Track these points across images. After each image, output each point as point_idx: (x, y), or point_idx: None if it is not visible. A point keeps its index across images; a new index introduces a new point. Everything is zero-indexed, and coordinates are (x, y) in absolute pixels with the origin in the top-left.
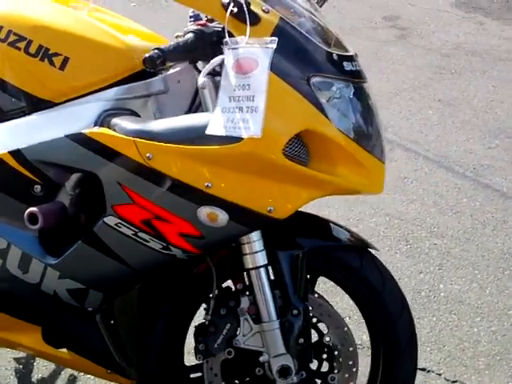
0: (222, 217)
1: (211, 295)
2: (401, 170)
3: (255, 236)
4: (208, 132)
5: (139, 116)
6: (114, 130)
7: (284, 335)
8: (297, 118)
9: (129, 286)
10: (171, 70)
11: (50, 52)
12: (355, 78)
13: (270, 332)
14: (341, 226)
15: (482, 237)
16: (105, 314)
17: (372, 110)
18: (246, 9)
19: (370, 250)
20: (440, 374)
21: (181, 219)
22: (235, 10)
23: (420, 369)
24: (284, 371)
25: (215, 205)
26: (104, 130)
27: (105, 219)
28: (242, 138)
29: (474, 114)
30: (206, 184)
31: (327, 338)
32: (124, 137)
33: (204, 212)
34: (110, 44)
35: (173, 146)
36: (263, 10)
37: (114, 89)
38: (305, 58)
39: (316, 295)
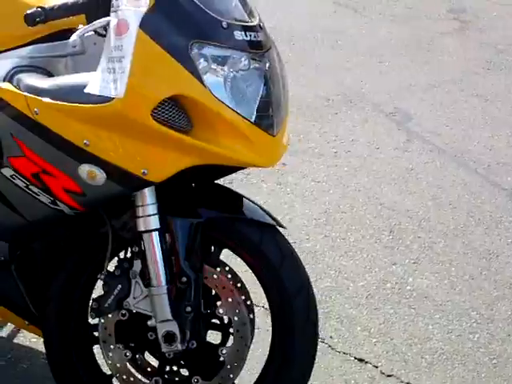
0: (100, 175)
1: (106, 254)
2: (411, 162)
3: (149, 199)
4: (86, 90)
5: (52, 75)
6: (16, 86)
7: (171, 301)
8: (167, 82)
9: (29, 236)
10: (90, 32)
11: None
12: (250, 48)
13: (158, 296)
14: (253, 202)
15: (472, 235)
16: (21, 264)
17: (269, 81)
18: None
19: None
20: (377, 367)
21: (64, 175)
22: None
23: (358, 359)
24: (169, 337)
25: (93, 163)
26: (3, 84)
27: (2, 170)
28: (113, 98)
29: (508, 112)
30: (84, 142)
31: (220, 310)
32: (17, 91)
33: (84, 169)
34: (30, 2)
35: (57, 102)
36: None
37: (30, 47)
38: (189, 24)
39: (220, 268)
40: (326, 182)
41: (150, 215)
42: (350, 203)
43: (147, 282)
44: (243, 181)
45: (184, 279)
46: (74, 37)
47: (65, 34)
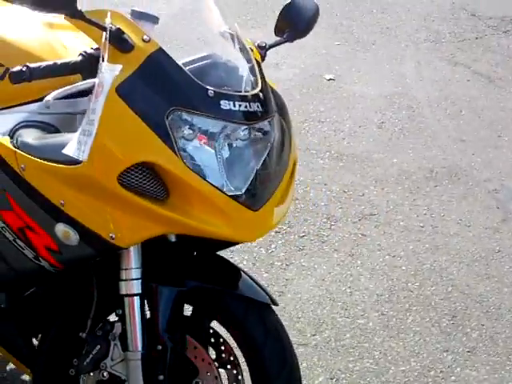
0: (74, 236)
1: (90, 315)
2: (499, 244)
3: (134, 263)
4: (62, 151)
5: (59, 132)
6: (15, 141)
7: (144, 368)
8: (136, 148)
9: (22, 286)
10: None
11: None
12: (237, 118)
13: (133, 362)
14: (251, 278)
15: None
16: (20, 311)
17: (256, 154)
18: (107, 36)
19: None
20: None
21: (44, 232)
22: (107, 36)
23: None
24: None
25: (68, 223)
26: (2, 138)
27: None
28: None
29: None
30: (60, 201)
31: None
32: (9, 146)
33: (59, 229)
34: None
35: (39, 160)
36: (143, 39)
37: (41, 103)
38: (172, 91)
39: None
40: (402, 257)
41: (132, 279)
42: (419, 282)
43: (125, 346)
44: (315, 248)
45: (159, 347)
46: (48, 97)
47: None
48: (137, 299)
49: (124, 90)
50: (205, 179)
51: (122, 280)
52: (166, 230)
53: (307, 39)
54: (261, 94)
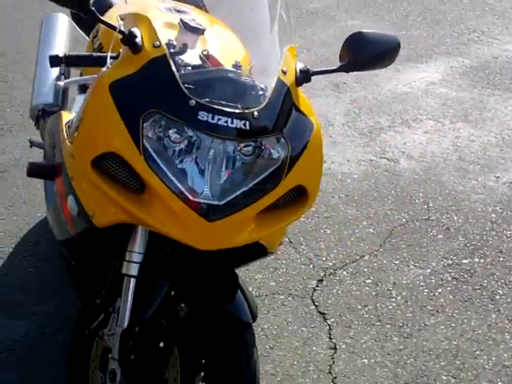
0: (75, 208)
1: (105, 285)
2: None
3: (138, 248)
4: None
5: None
6: None
7: (122, 344)
8: (108, 137)
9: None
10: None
11: None
12: (210, 130)
13: (116, 336)
14: (243, 290)
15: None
16: None
17: (221, 167)
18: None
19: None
20: None
21: (65, 201)
22: (120, 36)
23: None
24: (113, 375)
25: (73, 195)
26: None
27: None
28: None
29: None
30: (70, 175)
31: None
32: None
33: (70, 199)
34: None
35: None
36: (154, 45)
37: None
38: (157, 94)
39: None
40: None
41: (133, 261)
42: None
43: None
44: None
45: (137, 329)
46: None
47: None
48: (133, 280)
49: (117, 87)
50: (163, 182)
51: (125, 260)
52: (127, 219)
53: None
54: (255, 113)
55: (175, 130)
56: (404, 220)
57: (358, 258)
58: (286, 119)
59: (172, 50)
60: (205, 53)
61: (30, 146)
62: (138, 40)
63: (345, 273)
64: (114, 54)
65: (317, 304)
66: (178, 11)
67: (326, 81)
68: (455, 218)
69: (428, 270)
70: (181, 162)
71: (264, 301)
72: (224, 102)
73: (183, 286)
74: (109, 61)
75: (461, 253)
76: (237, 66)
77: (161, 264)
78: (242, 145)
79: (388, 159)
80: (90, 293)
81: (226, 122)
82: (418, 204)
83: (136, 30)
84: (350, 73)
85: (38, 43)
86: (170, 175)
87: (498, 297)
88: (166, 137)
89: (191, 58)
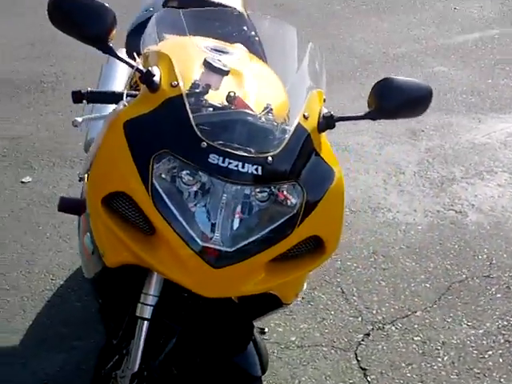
0: (90, 246)
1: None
2: None
3: (153, 291)
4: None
5: None
6: None
7: None
8: (118, 177)
9: None
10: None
11: None
12: (219, 174)
13: (126, 378)
14: (258, 350)
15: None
16: None
17: (225, 211)
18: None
19: None
20: None
21: (83, 238)
22: (138, 75)
23: None
24: None
25: (90, 232)
26: None
27: None
28: None
29: None
30: (88, 212)
31: None
32: None
33: (86, 236)
34: None
35: None
36: (171, 84)
37: None
38: (169, 134)
39: None
40: None
41: (147, 304)
42: None
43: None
44: None
45: (145, 373)
46: (77, 118)
47: None
48: (146, 323)
49: (131, 125)
50: (170, 224)
51: (140, 302)
52: (136, 261)
53: None
54: (269, 159)
55: (188, 171)
56: (464, 276)
57: (409, 313)
58: (303, 166)
59: (196, 90)
60: (231, 94)
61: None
62: (156, 79)
63: (393, 328)
64: (133, 92)
65: (359, 359)
66: (217, 50)
67: (404, 127)
68: None
69: (481, 331)
70: (193, 204)
71: (306, 352)
72: (237, 146)
73: (195, 333)
74: (125, 98)
75: None
76: (267, 109)
77: (175, 309)
78: (257, 190)
79: (456, 211)
80: (110, 333)
81: (237, 166)
82: (480, 260)
83: (155, 69)
84: (427, 120)
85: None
86: (180, 218)
87: None
88: (178, 178)
89: (214, 98)
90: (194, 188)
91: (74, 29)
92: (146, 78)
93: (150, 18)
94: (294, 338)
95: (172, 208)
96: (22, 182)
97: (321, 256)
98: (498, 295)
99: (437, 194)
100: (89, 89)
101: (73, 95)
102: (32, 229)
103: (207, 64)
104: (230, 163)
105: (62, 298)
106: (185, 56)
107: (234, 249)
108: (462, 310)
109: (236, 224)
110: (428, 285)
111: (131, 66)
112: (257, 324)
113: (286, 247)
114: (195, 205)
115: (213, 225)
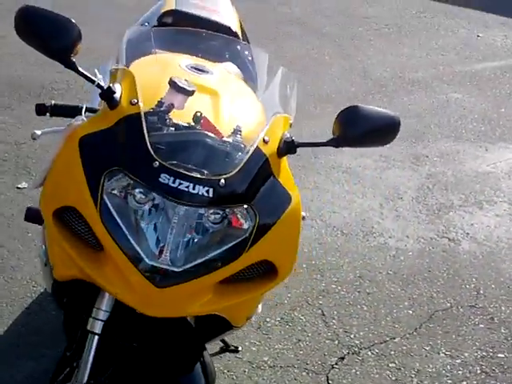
0: (43, 257)
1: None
2: None
3: (105, 306)
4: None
5: None
6: None
7: None
8: (70, 192)
9: None
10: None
11: None
12: (168, 194)
13: None
14: (206, 376)
15: None
16: None
17: (176, 231)
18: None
19: None
20: None
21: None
22: (99, 91)
23: None
24: None
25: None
26: None
27: None
28: None
29: None
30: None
31: None
32: None
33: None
34: None
35: None
36: (131, 102)
37: None
38: (123, 152)
39: None
40: None
41: (98, 319)
42: None
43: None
44: None
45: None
46: (37, 131)
47: None
48: (96, 338)
49: (86, 141)
50: (116, 241)
51: (91, 316)
52: (84, 277)
53: None
54: (222, 181)
55: (141, 190)
56: (448, 304)
57: (388, 339)
58: (258, 190)
59: (160, 109)
60: (198, 114)
61: None
62: (116, 96)
63: (369, 353)
64: (93, 107)
65: (330, 382)
66: (197, 69)
67: (408, 152)
68: (503, 308)
69: (458, 360)
70: (144, 223)
71: (277, 372)
72: (191, 167)
73: (145, 350)
74: (84, 113)
75: (498, 346)
76: (236, 131)
77: (126, 326)
78: (210, 212)
79: (449, 239)
80: (67, 345)
81: (188, 187)
82: (467, 289)
83: (117, 86)
84: (433, 146)
85: None
86: (129, 235)
87: None
88: (131, 196)
89: (181, 118)
90: (147, 206)
91: (39, 42)
92: (105, 94)
93: (145, 33)
94: (266, 358)
95: (121, 225)
96: (18, 188)
97: (272, 280)
98: (481, 325)
99: (432, 221)
100: (53, 102)
101: (36, 107)
102: (21, 235)
103: (172, 83)
104: (180, 184)
105: (41, 305)
106: (156, 75)
107: (181, 269)
108: (441, 338)
109: (186, 245)
110: (411, 311)
111: (92, 82)
112: (230, 341)
113: (234, 270)
114: (146, 223)
115: (163, 244)
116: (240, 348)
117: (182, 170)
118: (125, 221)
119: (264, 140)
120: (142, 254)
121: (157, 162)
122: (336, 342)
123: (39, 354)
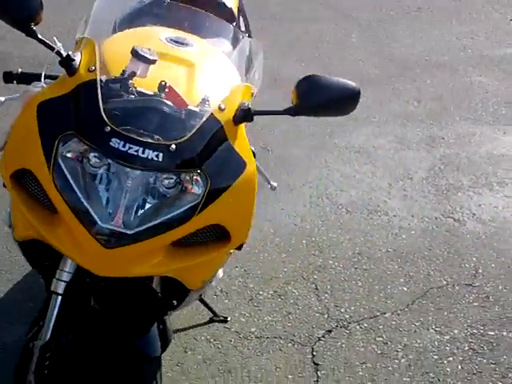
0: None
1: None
2: None
3: (68, 267)
4: None
5: None
6: None
7: (39, 359)
8: (24, 156)
9: None
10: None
11: None
12: (119, 157)
13: (36, 349)
14: (163, 332)
15: None
16: None
17: (130, 195)
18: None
19: None
20: None
21: None
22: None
23: None
24: None
25: None
26: None
27: None
28: None
29: None
30: None
31: None
32: None
33: None
34: None
35: None
36: (88, 69)
37: None
38: (78, 117)
39: None
40: None
41: (62, 280)
42: None
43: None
44: None
45: (53, 346)
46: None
47: None
48: (59, 298)
49: (44, 107)
50: (69, 203)
51: (54, 277)
52: (37, 237)
53: None
54: (172, 146)
55: (96, 154)
56: (444, 282)
57: (378, 314)
58: (210, 155)
59: (122, 77)
60: (163, 83)
61: None
62: (75, 63)
63: (358, 327)
64: (53, 74)
65: (314, 354)
66: (176, 41)
67: (425, 134)
68: (500, 287)
69: (447, 337)
70: (98, 186)
71: (263, 343)
72: (143, 132)
73: (105, 314)
74: (43, 80)
75: (490, 323)
76: (204, 100)
77: (88, 288)
78: (164, 176)
79: (454, 219)
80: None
81: (137, 151)
82: (466, 268)
83: (76, 54)
84: (450, 128)
85: None
86: (82, 198)
87: (511, 375)
88: (86, 160)
89: (145, 86)
90: (101, 170)
91: (0, 10)
92: (64, 61)
93: (140, 9)
94: (254, 329)
95: (75, 187)
96: None
97: (225, 245)
98: (475, 303)
99: (439, 201)
100: (19, 70)
101: (4, 75)
102: None
103: (134, 52)
104: (130, 148)
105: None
106: (129, 46)
107: (133, 232)
108: (433, 315)
109: (139, 208)
110: (405, 288)
111: (52, 49)
112: (220, 312)
113: (184, 233)
114: (101, 187)
115: (116, 207)
116: (229, 318)
117: (133, 135)
118: (79, 184)
119: (220, 107)
120: (96, 217)
121: (108, 127)
122: (326, 315)
123: (31, 319)
